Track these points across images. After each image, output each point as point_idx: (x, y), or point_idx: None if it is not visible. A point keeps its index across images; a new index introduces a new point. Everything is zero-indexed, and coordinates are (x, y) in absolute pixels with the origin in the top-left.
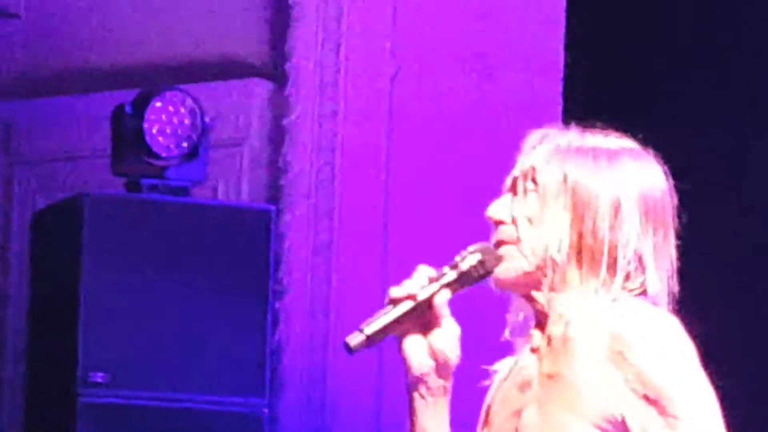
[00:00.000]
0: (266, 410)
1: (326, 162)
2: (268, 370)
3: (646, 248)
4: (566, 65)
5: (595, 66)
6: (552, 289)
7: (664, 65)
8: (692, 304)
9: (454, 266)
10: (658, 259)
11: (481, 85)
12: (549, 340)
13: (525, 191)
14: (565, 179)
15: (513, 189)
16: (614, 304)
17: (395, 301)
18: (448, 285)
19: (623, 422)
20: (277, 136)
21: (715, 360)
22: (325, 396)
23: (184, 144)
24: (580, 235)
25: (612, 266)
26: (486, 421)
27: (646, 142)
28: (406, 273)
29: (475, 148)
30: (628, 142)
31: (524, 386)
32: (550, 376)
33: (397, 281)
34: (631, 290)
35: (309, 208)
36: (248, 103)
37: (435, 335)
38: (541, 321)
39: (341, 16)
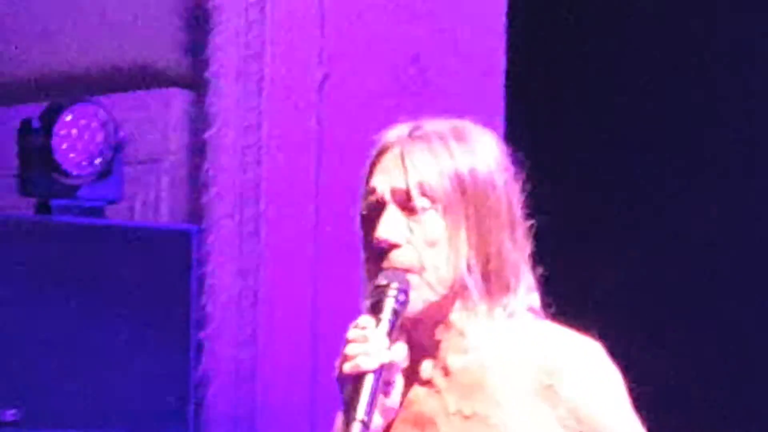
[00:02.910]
0: None
1: (252, 177)
2: (192, 406)
3: (527, 256)
4: (509, 68)
5: (540, 69)
6: (455, 315)
7: (609, 67)
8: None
9: (378, 307)
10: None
11: (417, 91)
12: (446, 371)
13: (418, 210)
14: (463, 192)
15: (403, 206)
16: (532, 330)
17: (355, 378)
18: (390, 334)
19: None
20: (198, 151)
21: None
22: None
23: (97, 161)
24: (486, 254)
25: (516, 282)
26: None
27: (590, 143)
28: (339, 298)
29: None
30: (487, 132)
31: (422, 425)
32: (465, 417)
33: (330, 307)
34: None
35: (233, 229)
36: (166, 115)
37: (391, 396)
38: (428, 349)
39: (264, 20)
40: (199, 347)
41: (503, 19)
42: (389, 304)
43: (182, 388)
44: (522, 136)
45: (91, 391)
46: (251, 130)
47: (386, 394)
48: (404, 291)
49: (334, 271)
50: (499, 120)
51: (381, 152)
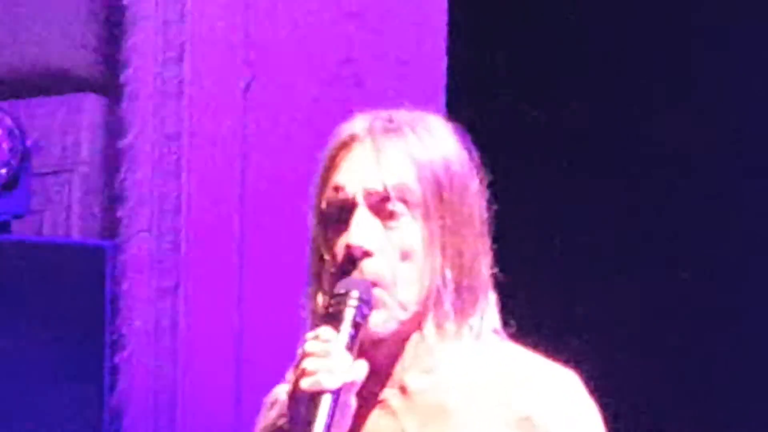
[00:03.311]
0: None
1: (171, 189)
2: None
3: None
4: (449, 71)
5: (483, 70)
6: (420, 333)
7: (553, 66)
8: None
9: (337, 318)
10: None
11: (350, 95)
12: (403, 391)
13: (395, 215)
14: (441, 196)
15: (376, 210)
16: (504, 355)
17: (312, 397)
18: (350, 349)
19: None
20: (112, 161)
21: None
22: None
23: (2, 171)
24: (460, 268)
25: (485, 300)
26: None
27: (535, 146)
28: (267, 319)
29: None
30: (451, 129)
31: None
32: None
33: (256, 329)
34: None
35: (151, 244)
36: (78, 122)
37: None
38: (382, 365)
39: (183, 19)
40: (114, 373)
41: (444, 18)
42: (349, 316)
43: (95, 417)
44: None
45: None
46: (170, 138)
47: (342, 415)
48: (367, 302)
49: (260, 289)
50: None
51: (346, 144)
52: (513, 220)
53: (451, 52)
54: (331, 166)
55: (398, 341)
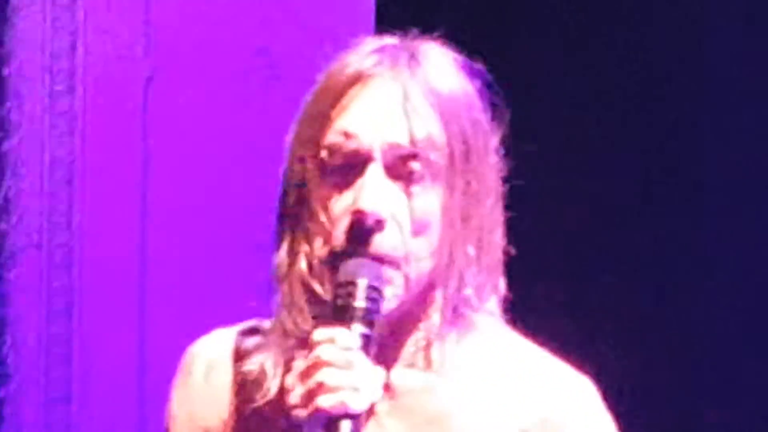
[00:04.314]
0: None
1: (62, 200)
2: None
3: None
4: None
5: None
6: (419, 318)
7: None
8: None
9: (346, 315)
10: None
11: (266, 88)
12: (388, 389)
13: (413, 177)
14: (467, 157)
15: (392, 169)
16: (519, 355)
17: (330, 420)
18: (367, 354)
19: None
20: None
21: None
22: None
23: None
24: (480, 244)
25: (501, 283)
26: None
27: None
28: (171, 344)
29: (260, 166)
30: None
31: None
32: None
33: (160, 355)
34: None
35: (40, 261)
36: None
37: None
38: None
39: (75, 5)
40: None
41: (371, 6)
42: (361, 312)
43: None
44: None
45: None
46: (61, 140)
47: None
48: (380, 292)
49: (164, 308)
50: None
51: (358, 79)
52: None
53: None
54: (336, 104)
55: (394, 328)
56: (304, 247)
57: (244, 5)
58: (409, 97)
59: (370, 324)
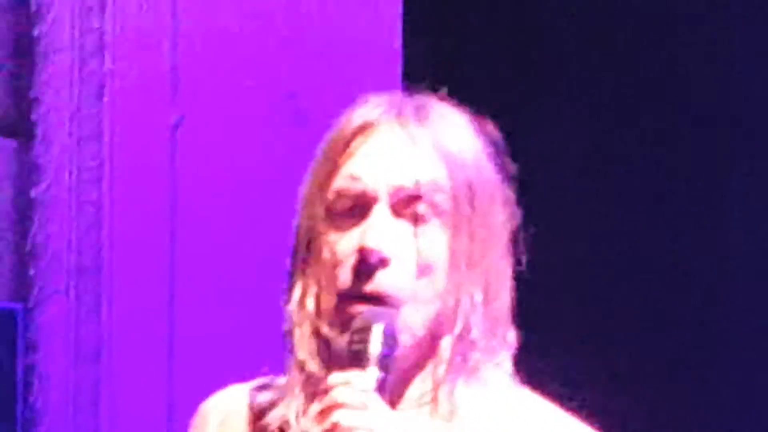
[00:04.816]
0: None
1: (91, 243)
2: None
3: None
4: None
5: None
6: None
7: (521, 95)
8: None
9: (361, 357)
10: None
11: (293, 134)
12: None
13: (419, 218)
14: (472, 202)
15: (399, 211)
16: (532, 412)
17: None
18: (381, 392)
19: None
20: (22, 212)
21: None
22: None
23: None
24: (487, 291)
25: (511, 333)
26: None
27: None
28: (200, 388)
29: (287, 211)
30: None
31: None
32: None
33: (189, 398)
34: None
35: (69, 306)
36: None
37: None
38: None
39: (103, 50)
40: None
41: (398, 49)
42: (377, 355)
43: None
44: None
45: None
46: (89, 185)
47: None
48: (394, 338)
49: (193, 356)
50: None
51: (365, 129)
52: None
53: (408, 79)
54: (343, 152)
55: (402, 373)
56: (313, 290)
57: (272, 50)
58: (414, 142)
59: (385, 368)
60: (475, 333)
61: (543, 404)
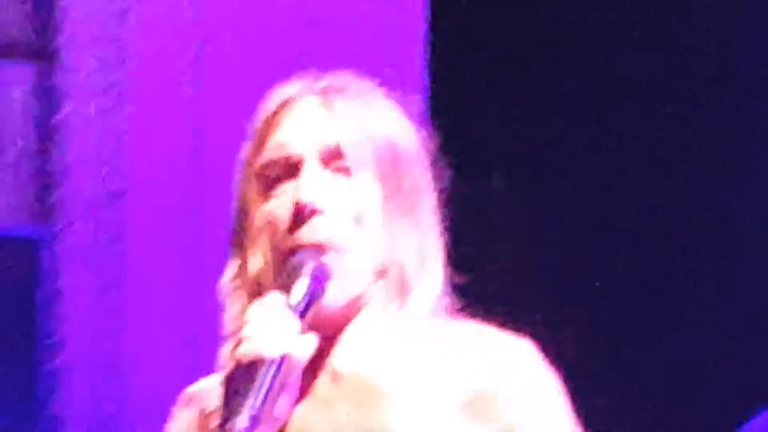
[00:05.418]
0: None
1: (113, 169)
2: None
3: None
4: (430, 93)
5: (464, 95)
6: (362, 311)
7: (542, 84)
8: None
9: (288, 290)
10: None
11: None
12: (335, 377)
13: (347, 170)
14: (397, 160)
15: (326, 164)
16: (453, 331)
17: (248, 367)
18: (301, 319)
19: None
20: (44, 138)
21: None
22: None
23: None
24: (421, 237)
25: (443, 276)
26: None
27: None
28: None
29: None
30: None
31: None
32: None
33: (213, 327)
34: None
35: (92, 233)
36: (5, 93)
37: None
38: (318, 352)
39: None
40: (49, 383)
41: (422, 34)
42: (303, 285)
43: None
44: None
45: None
46: (112, 111)
47: (283, 400)
48: (324, 272)
49: (218, 281)
50: None
51: (287, 102)
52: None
53: (433, 69)
54: (270, 124)
55: (341, 320)
56: (252, 255)
57: (297, 55)
58: (333, 108)
59: (310, 296)
60: (410, 276)
61: (470, 325)
